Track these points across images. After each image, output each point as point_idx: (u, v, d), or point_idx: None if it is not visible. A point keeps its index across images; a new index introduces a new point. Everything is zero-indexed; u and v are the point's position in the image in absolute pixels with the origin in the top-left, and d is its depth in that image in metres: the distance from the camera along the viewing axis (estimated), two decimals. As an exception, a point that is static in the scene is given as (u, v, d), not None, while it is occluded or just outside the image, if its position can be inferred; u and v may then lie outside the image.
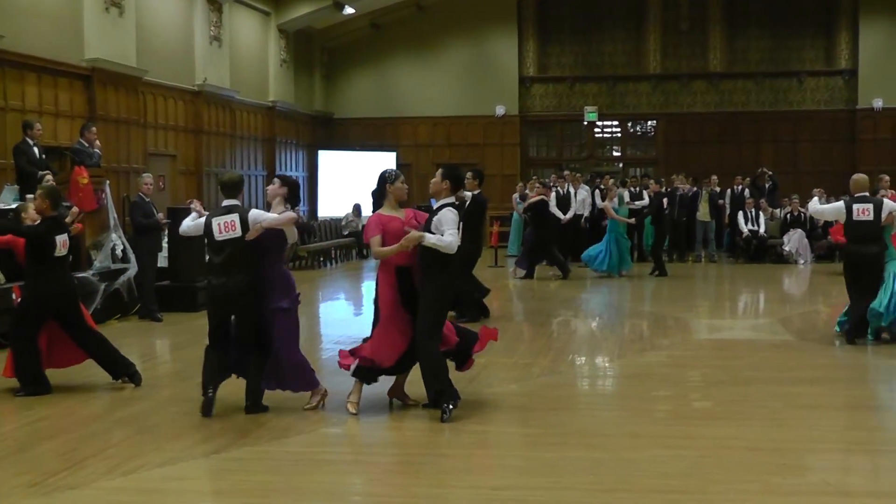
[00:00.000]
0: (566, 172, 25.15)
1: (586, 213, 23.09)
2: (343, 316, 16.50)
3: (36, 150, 14.29)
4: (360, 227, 25.69)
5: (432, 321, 8.01)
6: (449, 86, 29.91)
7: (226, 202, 8.39)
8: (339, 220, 25.68)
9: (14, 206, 13.02)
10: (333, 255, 24.45)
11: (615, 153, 31.39)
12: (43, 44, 16.61)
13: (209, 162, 22.66)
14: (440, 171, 8.42)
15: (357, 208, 25.21)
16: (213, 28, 22.69)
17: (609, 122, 30.69)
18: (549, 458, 6.97)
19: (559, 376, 10.03)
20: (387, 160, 28.23)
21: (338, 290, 19.78)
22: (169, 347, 12.69)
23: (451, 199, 8.18)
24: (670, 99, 29.81)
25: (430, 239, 7.86)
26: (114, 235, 14.37)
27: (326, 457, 7.17)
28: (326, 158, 28.33)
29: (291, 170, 27.55)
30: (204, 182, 22.21)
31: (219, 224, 8.23)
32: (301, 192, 7.57)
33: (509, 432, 8.01)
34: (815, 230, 23.55)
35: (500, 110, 29.81)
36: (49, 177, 12.77)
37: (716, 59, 29.56)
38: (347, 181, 26.45)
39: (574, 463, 6.85)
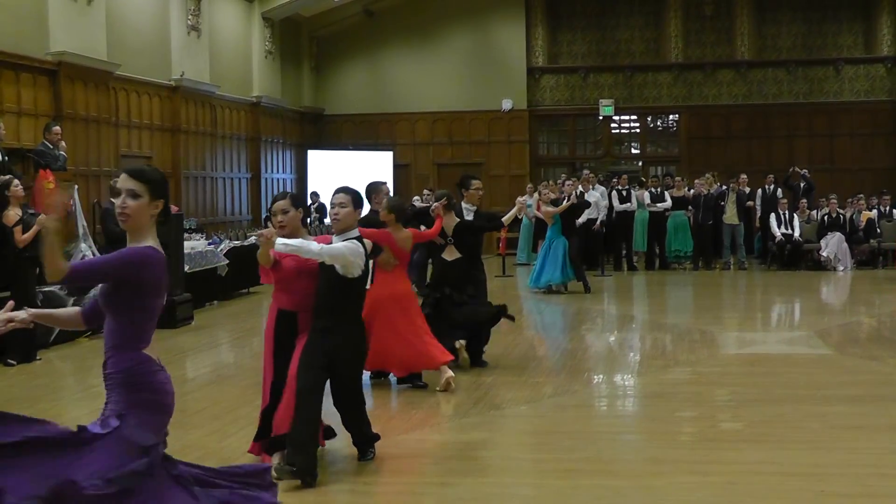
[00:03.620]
0: (585, 172, 25.14)
1: (602, 217, 23.06)
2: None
3: (-3, 152, 14.32)
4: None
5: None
6: (450, 78, 29.90)
7: None
8: (329, 225, 25.65)
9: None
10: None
11: (633, 150, 31.40)
12: (2, 36, 16.61)
13: (187, 164, 22.67)
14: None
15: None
16: (190, 17, 22.71)
17: (626, 117, 30.69)
18: (562, 487, 6.96)
19: (573, 396, 10.02)
20: (382, 160, 28.31)
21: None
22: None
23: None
24: (694, 90, 29.81)
25: (292, 244, 6.96)
26: (83, 245, 14.39)
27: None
28: (316, 159, 28.35)
29: (278, 171, 27.57)
30: (182, 185, 22.21)
31: None
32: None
33: (519, 458, 7.99)
34: (856, 233, 23.54)
35: (506, 104, 29.80)
36: (16, 182, 12.76)
37: (743, 45, 29.57)
38: (339, 183, 26.28)
39: (590, 492, 6.84)
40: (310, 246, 6.89)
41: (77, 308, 4.70)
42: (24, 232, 12.24)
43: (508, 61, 29.85)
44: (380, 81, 30.30)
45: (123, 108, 20.39)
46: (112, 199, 13.04)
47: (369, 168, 27.48)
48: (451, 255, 11.00)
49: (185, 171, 22.53)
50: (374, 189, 10.38)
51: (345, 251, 7.00)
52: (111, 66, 19.21)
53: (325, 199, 26.75)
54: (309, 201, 25.01)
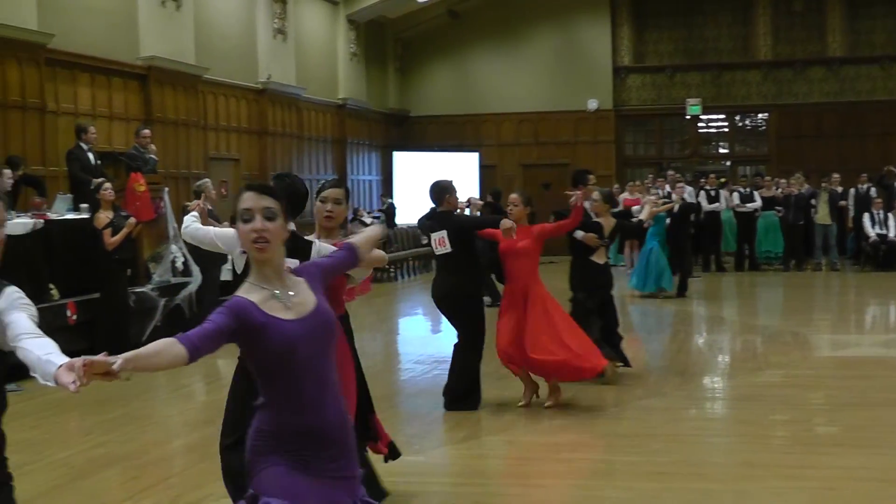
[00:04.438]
0: (670, 172, 24.96)
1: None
2: (422, 333, 16.54)
3: (90, 155, 14.58)
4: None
5: None
6: (536, 79, 29.84)
7: None
8: (416, 227, 25.73)
9: (68, 215, 13.33)
10: (411, 266, 24.54)
11: (721, 150, 31.07)
12: (96, 42, 16.91)
13: (274, 166, 22.88)
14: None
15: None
16: (276, 21, 22.93)
17: (714, 116, 30.38)
18: (653, 490, 6.91)
19: (663, 399, 9.93)
20: (468, 161, 28.34)
21: (416, 305, 19.82)
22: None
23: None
24: (783, 88, 29.41)
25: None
26: (174, 247, 14.56)
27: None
28: (402, 160, 28.46)
29: (364, 173, 27.72)
30: (269, 188, 22.40)
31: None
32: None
33: (609, 460, 7.95)
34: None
35: (592, 104, 29.66)
36: (107, 185, 12.98)
37: (835, 42, 29.11)
38: (425, 185, 26.40)
39: (681, 495, 6.79)
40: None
41: (174, 342, 3.54)
42: (113, 234, 12.44)
43: (594, 61, 29.71)
44: (465, 82, 30.32)
45: (211, 111, 20.65)
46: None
47: (455, 169, 27.47)
48: (601, 257, 10.64)
49: (271, 173, 22.65)
50: (447, 189, 9.75)
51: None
52: (199, 70, 19.46)
53: (402, 200, 26.89)
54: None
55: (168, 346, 3.47)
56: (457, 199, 9.88)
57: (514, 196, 9.64)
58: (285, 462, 3.69)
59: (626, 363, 10.71)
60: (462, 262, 9.30)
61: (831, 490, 6.81)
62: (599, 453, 8.08)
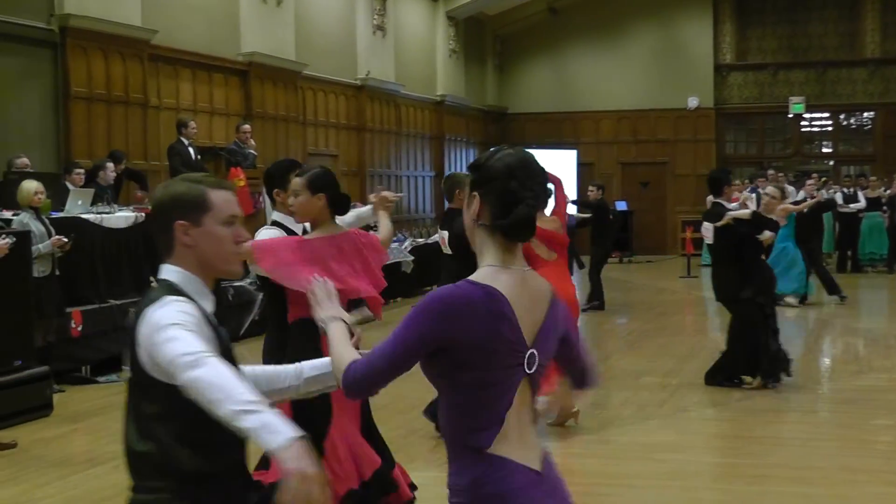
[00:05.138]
0: (770, 172, 24.61)
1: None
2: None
3: (191, 150, 14.79)
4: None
5: None
6: (635, 76, 29.60)
7: None
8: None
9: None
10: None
11: (825, 149, 30.50)
12: (198, 38, 17.15)
13: (373, 162, 23.02)
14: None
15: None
16: (376, 17, 23.05)
17: (818, 115, 29.85)
18: (751, 493, 6.81)
19: (762, 400, 9.77)
20: (566, 159, 28.20)
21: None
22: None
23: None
24: (891, 86, 28.77)
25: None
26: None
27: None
28: (499, 158, 28.37)
29: (462, 170, 27.72)
30: (367, 183, 22.56)
31: None
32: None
33: (705, 462, 7.86)
34: None
35: (692, 102, 29.34)
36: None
37: (945, 39, 28.47)
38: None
39: (780, 499, 6.68)
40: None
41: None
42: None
43: (695, 58, 29.38)
44: (563, 79, 30.19)
45: (311, 106, 20.82)
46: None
47: (553, 167, 27.35)
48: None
49: (370, 170, 22.88)
50: (459, 183, 7.97)
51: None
52: (299, 66, 19.64)
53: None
54: None
55: None
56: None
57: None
58: None
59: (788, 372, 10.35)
60: (462, 269, 7.49)
61: (936, 497, 6.66)
62: (697, 454, 7.98)
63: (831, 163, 29.97)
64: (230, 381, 2.82)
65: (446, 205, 8.55)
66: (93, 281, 11.74)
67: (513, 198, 3.03)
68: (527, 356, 2.99)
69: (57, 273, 10.60)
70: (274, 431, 2.73)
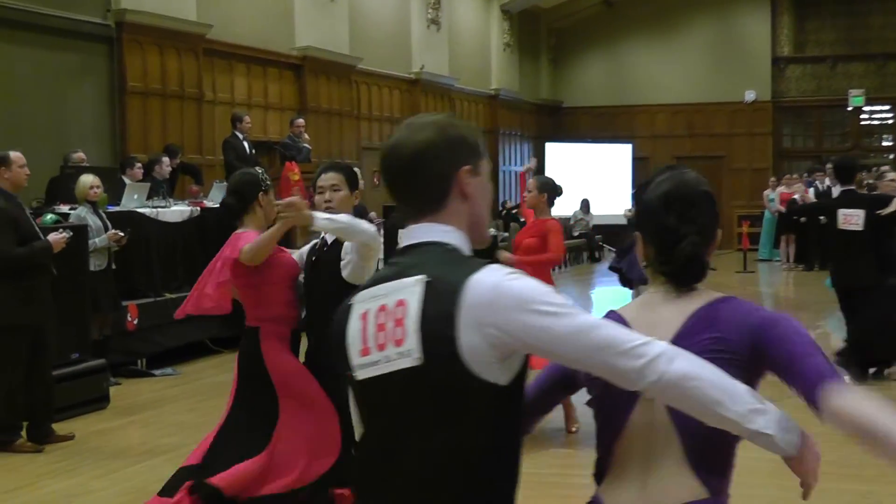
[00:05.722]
0: (828, 166, 24.32)
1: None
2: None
3: (245, 144, 14.86)
4: (591, 226, 25.61)
5: None
6: (691, 69, 29.39)
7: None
8: (567, 218, 25.64)
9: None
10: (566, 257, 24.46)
11: (885, 143, 30.13)
12: (252, 33, 17.22)
13: (426, 156, 23.00)
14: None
15: (585, 204, 25.16)
16: (430, 10, 23.05)
17: (878, 108, 29.50)
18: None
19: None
20: (621, 153, 28.11)
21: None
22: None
23: None
24: (953, 79, 28.42)
25: (340, 220, 5.20)
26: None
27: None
28: (554, 151, 28.32)
29: (516, 164, 27.66)
30: (420, 178, 22.55)
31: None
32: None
33: (762, 458, 7.73)
34: None
35: (749, 96, 29.09)
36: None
37: None
38: (577, 176, 26.29)
39: (838, 496, 6.59)
40: (360, 224, 5.22)
41: None
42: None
43: (752, 51, 29.10)
44: (619, 73, 30.03)
45: (365, 100, 20.86)
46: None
47: (608, 161, 27.41)
48: None
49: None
50: None
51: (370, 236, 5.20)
52: (353, 60, 19.68)
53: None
54: (579, 207, 24.88)
55: None
56: None
57: (530, 181, 8.65)
58: None
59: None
60: None
61: None
62: (755, 451, 7.89)
63: (891, 156, 29.55)
64: (719, 375, 2.27)
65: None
66: (148, 275, 11.84)
67: (673, 236, 2.57)
68: None
69: (113, 267, 10.70)
70: (790, 429, 2.36)
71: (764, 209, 23.87)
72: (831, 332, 12.95)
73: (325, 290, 5.20)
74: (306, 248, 5.66)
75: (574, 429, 8.17)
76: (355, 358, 2.34)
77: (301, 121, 16.14)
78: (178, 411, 9.64)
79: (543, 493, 6.48)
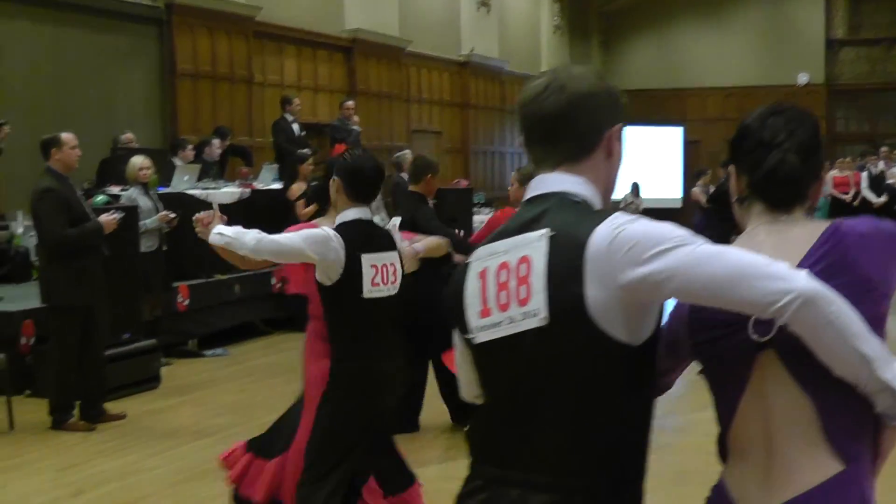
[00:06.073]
0: (883, 149, 24.03)
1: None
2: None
3: (295, 126, 14.87)
4: (641, 209, 25.45)
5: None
6: (743, 52, 29.08)
7: None
8: (616, 202, 25.50)
9: (273, 185, 13.58)
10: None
11: (941, 126, 29.75)
12: (302, 15, 17.23)
13: (476, 139, 22.97)
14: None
15: (635, 188, 25.01)
16: (480, -7, 22.98)
17: (934, 91, 29.10)
18: None
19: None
20: (672, 136, 27.90)
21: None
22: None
23: None
24: None
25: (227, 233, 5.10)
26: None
27: None
28: (604, 135, 28.13)
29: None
30: (471, 160, 22.51)
31: None
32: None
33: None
34: None
35: (802, 78, 28.74)
36: (311, 159, 13.19)
37: None
38: (627, 159, 26.05)
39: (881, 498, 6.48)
40: (244, 237, 4.95)
41: None
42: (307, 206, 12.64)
43: (805, 33, 28.75)
44: (669, 56, 29.78)
45: (414, 83, 20.82)
46: (403, 174, 12.34)
47: (658, 145, 27.21)
48: None
49: (473, 146, 22.84)
50: (430, 167, 7.89)
51: (298, 242, 4.82)
52: (403, 43, 19.65)
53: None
54: (629, 191, 24.67)
55: None
56: (436, 185, 8.19)
57: (513, 174, 8.09)
58: None
59: None
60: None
61: None
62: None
63: (947, 140, 29.23)
64: (854, 311, 2.05)
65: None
66: (199, 256, 11.85)
67: (766, 149, 2.34)
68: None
69: (164, 248, 10.74)
70: None
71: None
72: None
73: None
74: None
75: None
76: (473, 320, 2.23)
77: (351, 103, 16.13)
78: (228, 392, 9.67)
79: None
